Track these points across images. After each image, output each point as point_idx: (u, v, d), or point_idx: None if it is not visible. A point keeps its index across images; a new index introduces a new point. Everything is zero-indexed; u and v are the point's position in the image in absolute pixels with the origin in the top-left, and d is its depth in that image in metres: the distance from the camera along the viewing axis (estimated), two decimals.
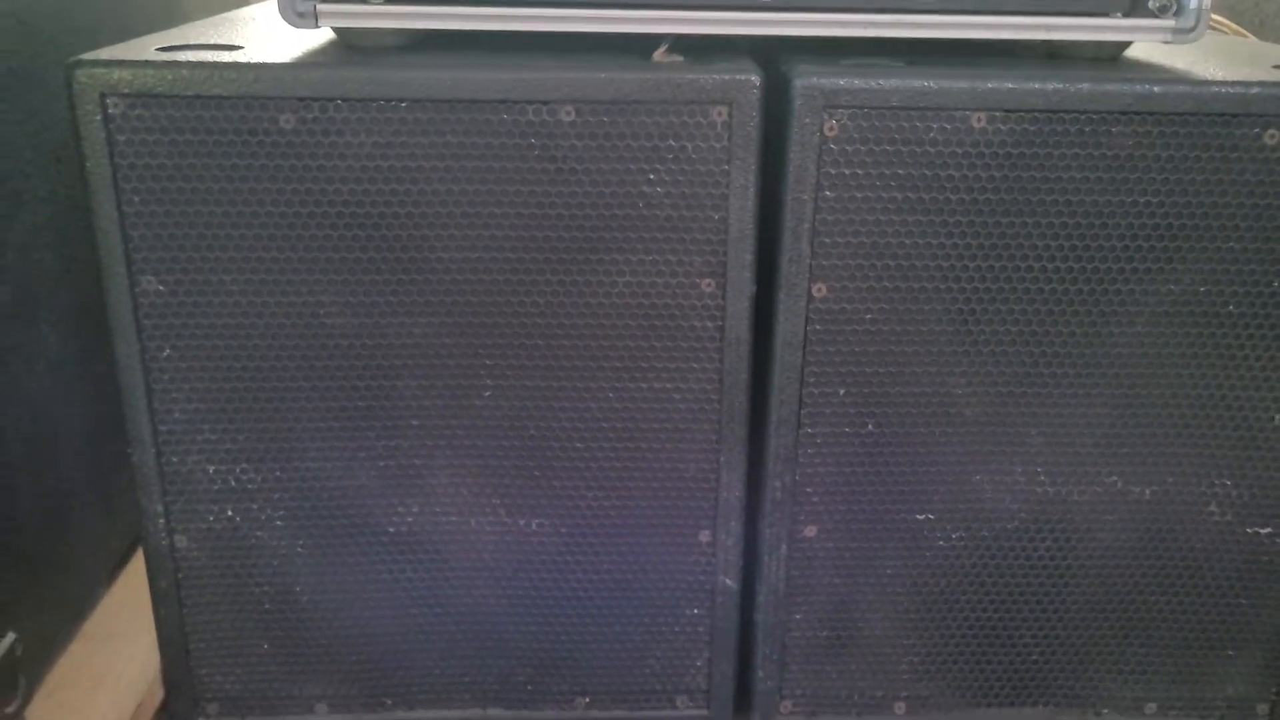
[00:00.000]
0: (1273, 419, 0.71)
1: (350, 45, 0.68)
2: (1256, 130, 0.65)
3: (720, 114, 0.64)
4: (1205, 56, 0.74)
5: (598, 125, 0.64)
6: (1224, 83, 0.65)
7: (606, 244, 0.66)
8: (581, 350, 0.68)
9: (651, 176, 0.65)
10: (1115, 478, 0.73)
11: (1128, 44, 0.71)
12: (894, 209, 0.66)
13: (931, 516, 0.73)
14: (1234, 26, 0.90)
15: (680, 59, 0.66)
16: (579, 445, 0.71)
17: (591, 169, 0.65)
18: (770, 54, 0.71)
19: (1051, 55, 0.72)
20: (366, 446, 0.70)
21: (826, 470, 0.71)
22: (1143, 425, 0.71)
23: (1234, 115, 0.65)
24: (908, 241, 0.67)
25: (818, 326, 0.68)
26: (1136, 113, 0.64)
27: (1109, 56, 0.71)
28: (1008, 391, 0.70)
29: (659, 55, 0.66)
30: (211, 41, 0.69)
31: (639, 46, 0.68)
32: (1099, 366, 0.70)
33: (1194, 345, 0.70)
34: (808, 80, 0.63)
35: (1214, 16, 0.92)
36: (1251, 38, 0.88)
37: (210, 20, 0.82)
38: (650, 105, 0.63)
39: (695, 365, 0.69)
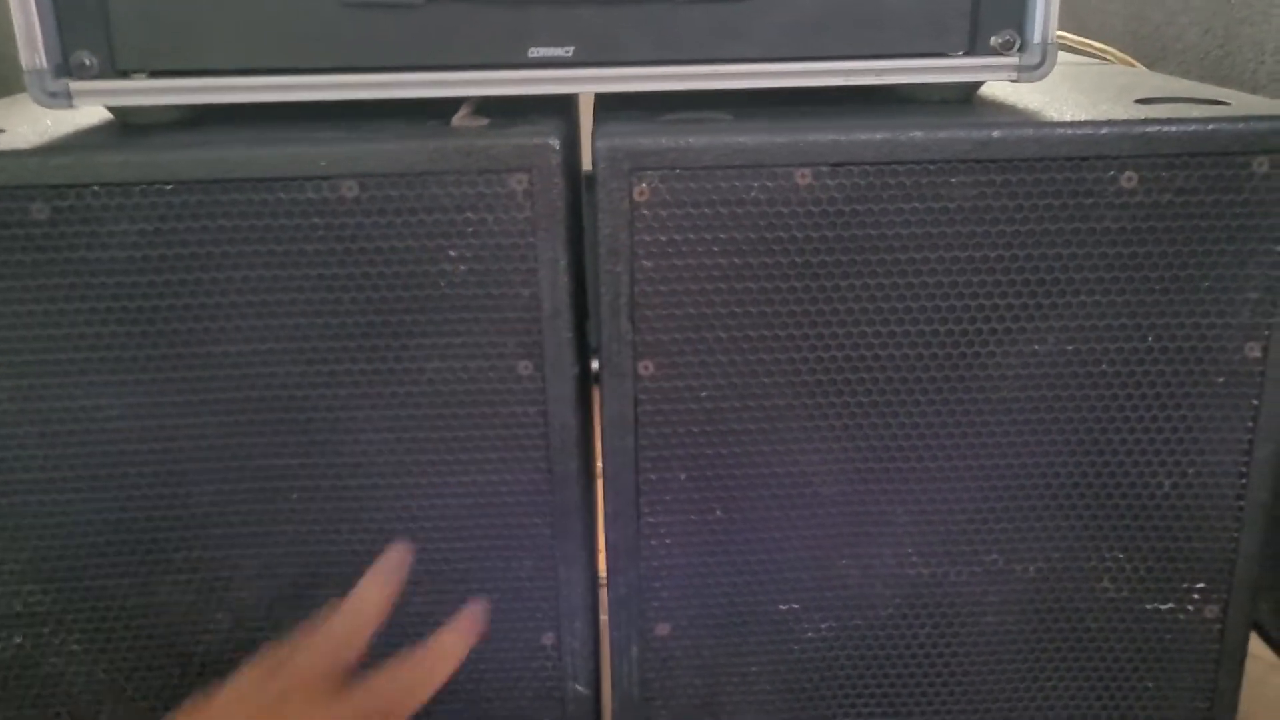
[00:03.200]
0: (1161, 485, 0.65)
1: (126, 123, 0.62)
2: (1112, 173, 0.59)
3: (520, 182, 0.58)
4: (1070, 93, 0.69)
5: (385, 200, 0.58)
6: (1072, 124, 0.59)
7: (409, 328, 0.60)
8: (393, 444, 0.62)
9: (452, 253, 0.59)
10: (995, 555, 0.66)
11: (979, 84, 0.66)
12: (720, 276, 0.60)
13: (796, 606, 0.67)
14: (1120, 55, 0.85)
15: (484, 121, 0.61)
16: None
17: (384, 247, 0.59)
18: (600, 110, 0.65)
19: (903, 99, 0.66)
20: (164, 559, 0.64)
21: (674, 562, 0.65)
22: (1020, 498, 0.65)
23: (1084, 159, 0.59)
24: (739, 310, 0.61)
25: (648, 407, 0.62)
26: (977, 160, 0.59)
27: (960, 98, 0.66)
28: (867, 468, 0.64)
29: (459, 119, 0.61)
30: None
31: (441, 110, 0.62)
32: (965, 436, 0.64)
33: (1067, 409, 0.63)
34: (610, 141, 0.58)
35: (1099, 46, 0.87)
36: (1140, 67, 0.83)
37: (6, 100, 0.77)
38: (442, 176, 0.58)
39: (519, 455, 0.63)
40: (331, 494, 0.63)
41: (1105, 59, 0.86)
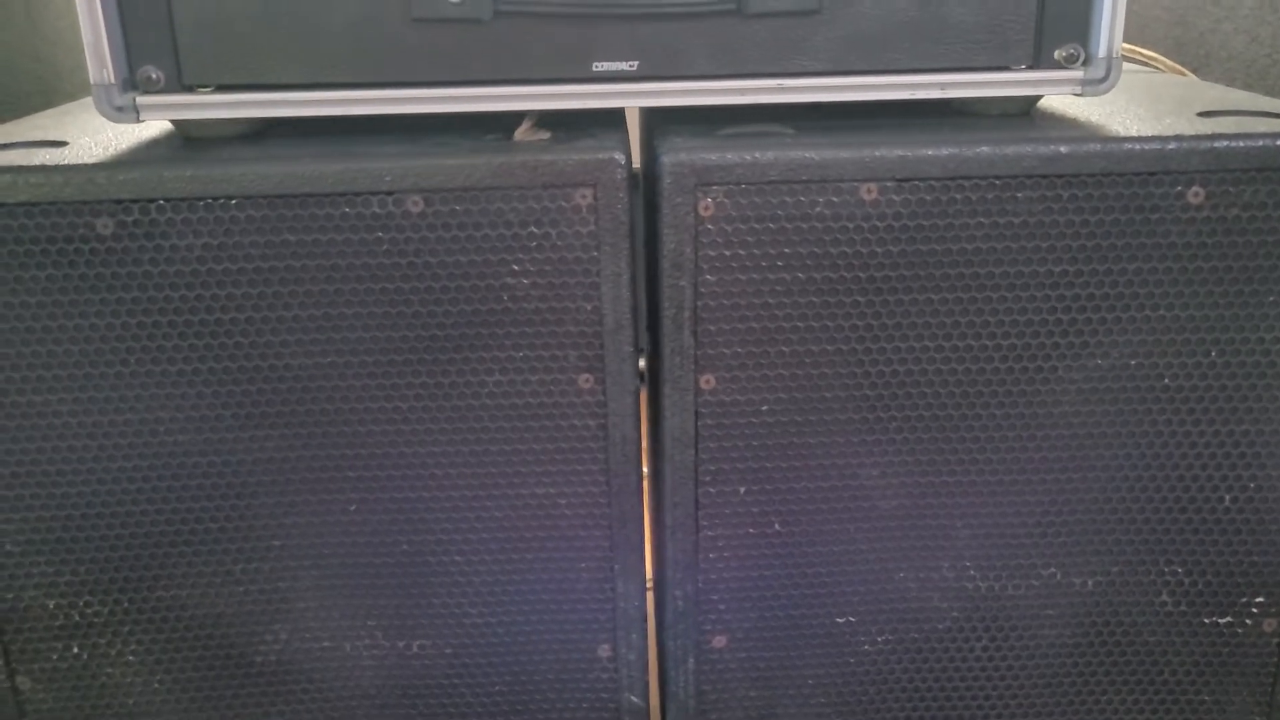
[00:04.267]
0: (1222, 499, 0.65)
1: (187, 136, 0.62)
2: (1179, 188, 0.59)
3: (584, 197, 0.58)
4: (1129, 104, 0.68)
5: (450, 215, 0.58)
6: (1138, 139, 0.59)
7: (471, 341, 0.60)
8: (453, 457, 0.62)
9: (515, 267, 0.59)
10: (1053, 569, 0.66)
11: (1038, 97, 0.66)
12: (783, 291, 0.60)
13: (853, 619, 0.66)
14: (1171, 64, 0.85)
15: (547, 135, 0.61)
16: (458, 559, 0.64)
17: (448, 262, 0.59)
18: (658, 123, 0.65)
19: (959, 112, 0.66)
20: (223, 571, 0.64)
21: (732, 575, 0.65)
22: (1079, 512, 0.65)
23: (1151, 174, 0.59)
24: (801, 325, 0.60)
25: (709, 421, 0.62)
26: (1043, 175, 0.58)
27: (1019, 111, 0.65)
28: (926, 482, 0.64)
29: (522, 133, 0.61)
30: (40, 137, 0.63)
31: (504, 123, 0.62)
32: (1026, 451, 0.63)
33: (1129, 423, 0.63)
34: (676, 157, 0.58)
35: (1150, 54, 0.87)
36: (1191, 76, 0.82)
37: (60, 109, 0.77)
38: (506, 191, 0.58)
39: (579, 468, 0.63)
40: (391, 506, 0.63)
41: (1155, 67, 0.85)
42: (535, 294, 0.60)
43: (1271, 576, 0.66)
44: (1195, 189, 0.59)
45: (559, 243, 0.59)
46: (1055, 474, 0.64)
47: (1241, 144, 0.58)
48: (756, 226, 0.59)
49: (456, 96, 0.59)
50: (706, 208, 0.58)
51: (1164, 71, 0.84)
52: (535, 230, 0.59)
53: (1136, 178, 0.59)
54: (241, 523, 0.63)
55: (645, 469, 0.66)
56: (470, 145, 0.59)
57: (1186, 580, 0.66)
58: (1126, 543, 0.65)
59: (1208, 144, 0.58)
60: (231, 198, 0.57)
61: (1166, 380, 0.62)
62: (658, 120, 0.66)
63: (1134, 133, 0.59)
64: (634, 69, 0.59)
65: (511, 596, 0.65)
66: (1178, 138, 0.59)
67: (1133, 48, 0.89)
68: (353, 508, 0.63)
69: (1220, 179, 0.59)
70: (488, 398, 0.61)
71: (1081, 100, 0.69)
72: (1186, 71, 0.85)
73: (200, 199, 0.57)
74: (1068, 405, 0.63)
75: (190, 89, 0.58)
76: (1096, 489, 0.64)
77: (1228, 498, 0.65)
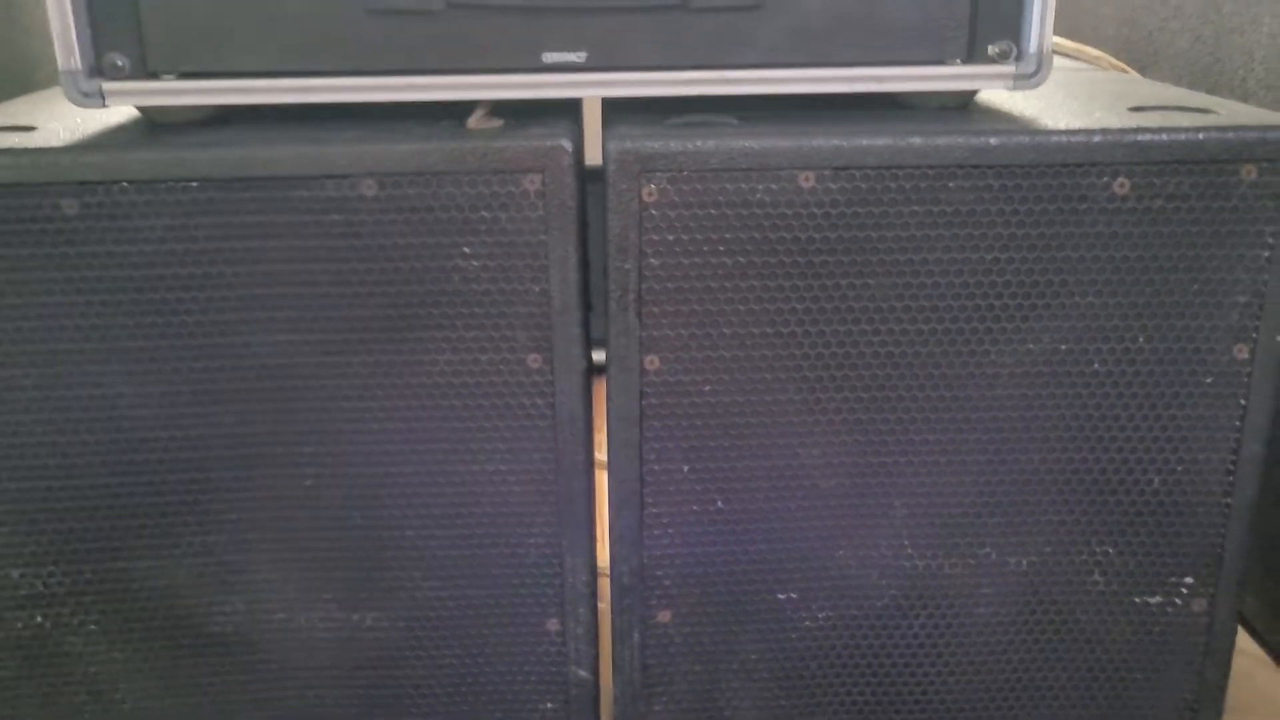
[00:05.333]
0: (1151, 481, 0.67)
1: (154, 122, 0.65)
2: (1105, 179, 0.61)
3: (533, 183, 0.60)
4: (1065, 99, 0.71)
5: (403, 199, 0.60)
6: (1066, 131, 0.61)
7: (423, 321, 0.62)
8: (405, 434, 0.64)
9: (466, 250, 0.61)
10: (988, 549, 0.68)
11: (975, 91, 0.68)
12: (725, 275, 0.62)
13: (794, 596, 0.69)
14: (1114, 62, 0.87)
15: (499, 123, 0.63)
16: (410, 533, 0.66)
17: (400, 244, 0.61)
18: (612, 113, 0.67)
19: (901, 105, 0.68)
20: (182, 543, 0.66)
21: (676, 551, 0.67)
22: (1013, 493, 0.67)
23: (1078, 165, 0.61)
24: (742, 308, 0.63)
25: (653, 401, 0.64)
26: (974, 166, 0.61)
27: (957, 105, 0.68)
28: (865, 462, 0.66)
29: (475, 121, 0.63)
30: (9, 123, 0.66)
31: (459, 112, 0.65)
32: (960, 432, 0.66)
33: (1060, 407, 0.65)
34: (621, 144, 0.60)
35: (1094, 51, 0.89)
36: (1132, 73, 0.85)
37: (33, 96, 0.79)
38: (458, 176, 0.60)
39: (528, 445, 0.65)
40: (345, 481, 0.65)
41: (1099, 65, 0.88)
42: (485, 276, 0.62)
43: (1200, 557, 0.68)
44: (1120, 180, 0.61)
45: (508, 226, 0.61)
46: (989, 455, 0.66)
47: (1165, 137, 0.61)
48: (699, 212, 0.61)
49: (410, 85, 0.61)
50: (650, 193, 0.61)
51: (1107, 69, 0.86)
52: (486, 214, 0.61)
53: (1064, 169, 0.61)
54: (200, 496, 0.65)
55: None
56: (423, 131, 0.61)
57: (1118, 560, 0.69)
58: (1059, 523, 0.68)
59: (1132, 137, 0.61)
60: (192, 180, 0.59)
61: (1096, 365, 0.65)
62: (613, 110, 0.68)
63: (1063, 126, 0.62)
64: (582, 60, 0.62)
65: (462, 571, 0.67)
66: (1104, 131, 0.61)
67: (1078, 46, 0.91)
68: (308, 482, 0.65)
69: (1144, 171, 0.61)
70: (439, 376, 0.63)
71: (1020, 95, 0.72)
72: (1129, 69, 0.87)
73: (162, 181, 0.59)
74: (1001, 389, 0.65)
75: (154, 76, 0.60)
76: (1029, 470, 0.67)
77: (1156, 480, 0.67)
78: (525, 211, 0.61)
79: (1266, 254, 0.63)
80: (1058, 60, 0.94)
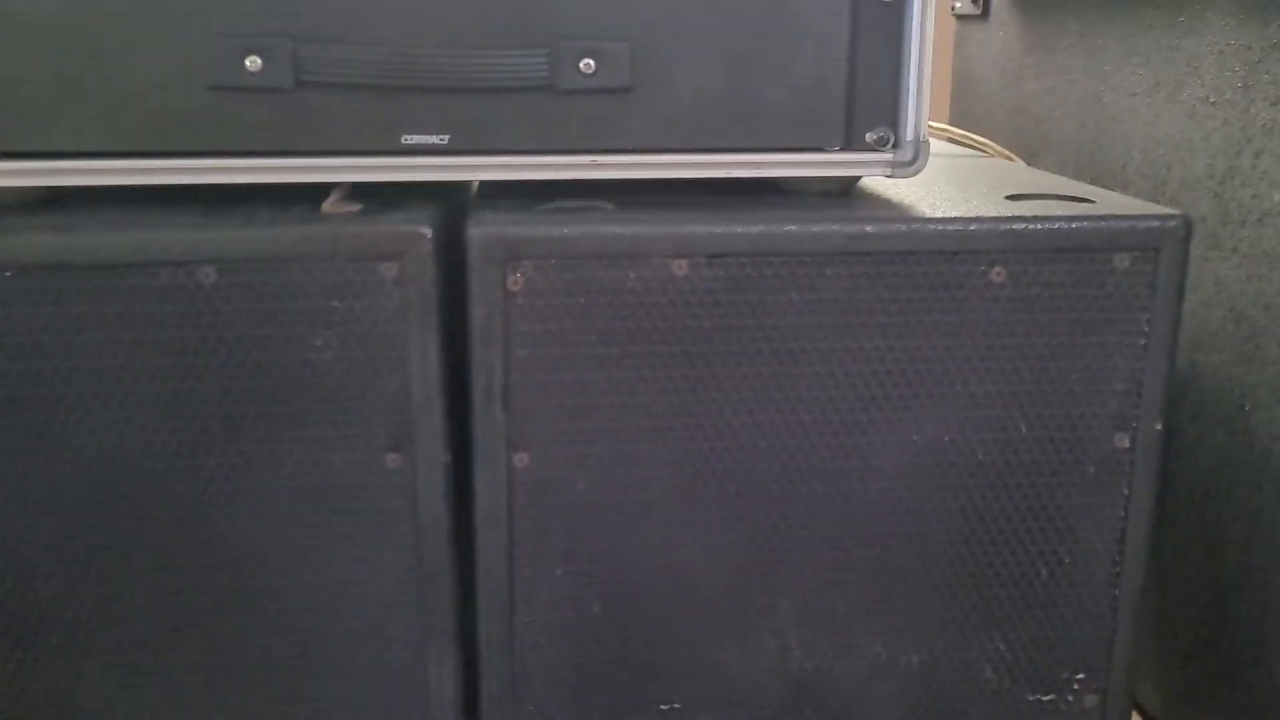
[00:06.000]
0: (1039, 573, 0.65)
1: None
2: (982, 268, 0.60)
3: (389, 270, 0.57)
4: (946, 186, 0.70)
5: (246, 287, 0.56)
6: (944, 219, 0.60)
7: (271, 419, 0.58)
8: (254, 541, 0.59)
9: (317, 342, 0.57)
10: (879, 648, 0.66)
11: (856, 177, 0.67)
12: (597, 365, 0.59)
13: (678, 705, 0.65)
14: (1000, 149, 0.88)
15: (357, 207, 0.59)
16: (259, 649, 0.61)
17: (244, 335, 0.56)
18: (482, 196, 0.64)
19: (782, 190, 0.67)
20: (2, 659, 0.59)
21: (550, 660, 0.63)
22: (901, 587, 0.65)
23: (955, 253, 0.60)
24: (616, 401, 0.60)
25: (523, 500, 0.60)
26: (851, 253, 0.59)
27: (839, 190, 0.66)
28: (748, 559, 0.63)
29: (330, 204, 0.59)
30: None
31: (313, 195, 0.61)
32: (846, 526, 0.63)
33: (946, 498, 0.63)
34: (485, 230, 0.57)
35: (979, 139, 0.90)
36: (1018, 161, 0.85)
37: None
38: (307, 263, 0.56)
39: (388, 551, 0.60)
40: (187, 591, 0.59)
41: (985, 152, 0.88)
42: (339, 369, 0.58)
43: (1090, 651, 0.67)
44: (998, 269, 0.60)
45: (363, 316, 0.57)
46: (875, 549, 0.64)
47: (1039, 226, 0.60)
48: (568, 301, 0.58)
49: (258, 167, 0.57)
50: (516, 281, 0.57)
51: (993, 156, 0.87)
52: (338, 304, 0.57)
53: (941, 256, 0.60)
54: (21, 611, 0.59)
55: None
56: (269, 216, 0.57)
57: (1009, 656, 0.66)
58: (949, 619, 0.65)
59: (1007, 226, 0.60)
60: (6, 268, 0.54)
61: (980, 455, 0.63)
62: (485, 193, 0.65)
63: (940, 214, 0.61)
64: (445, 142, 0.59)
65: (318, 688, 0.62)
66: (980, 219, 0.60)
67: (965, 133, 0.92)
68: (144, 595, 0.59)
69: (1020, 259, 0.60)
70: (290, 478, 0.59)
71: (901, 181, 0.71)
72: (1015, 157, 0.88)
73: None
74: (885, 480, 0.63)
75: None
76: (916, 564, 0.64)
77: (1044, 571, 0.65)
78: (381, 300, 0.57)
79: (1143, 341, 0.62)
80: (945, 147, 0.94)
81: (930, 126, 0.96)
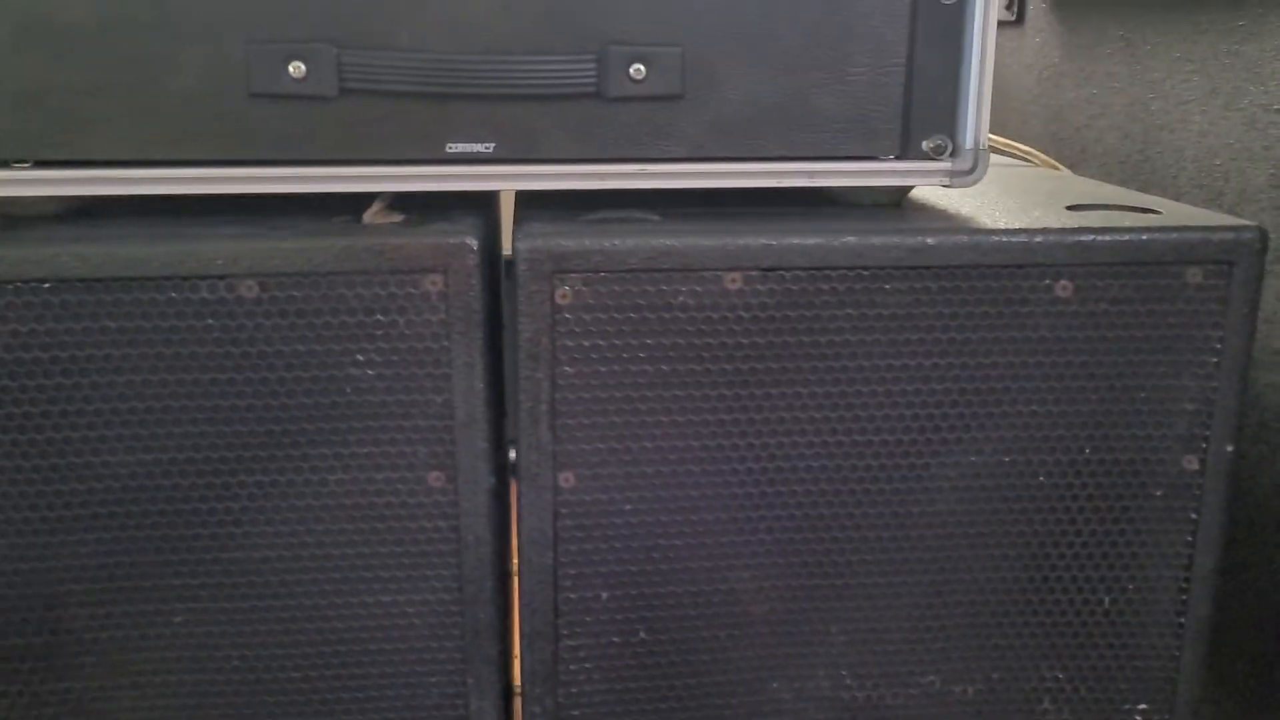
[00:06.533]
0: (1101, 602, 0.63)
1: (4, 214, 0.58)
2: (1047, 281, 0.58)
3: (434, 283, 0.55)
4: (1000, 197, 0.68)
5: (288, 301, 0.54)
6: (1007, 231, 0.58)
7: (312, 437, 0.56)
8: (291, 563, 0.57)
9: (359, 357, 0.55)
10: (933, 677, 0.63)
11: (910, 187, 0.65)
12: (646, 383, 0.57)
13: None
14: (1045, 159, 0.86)
15: (399, 218, 0.58)
16: (295, 675, 0.59)
17: (285, 351, 0.55)
18: (524, 207, 0.62)
19: (832, 201, 0.64)
20: (30, 692, 0.57)
21: (595, 689, 0.61)
22: (957, 616, 0.62)
23: (1019, 267, 0.58)
24: (665, 419, 0.57)
25: (568, 522, 0.58)
26: (911, 267, 0.57)
27: (891, 201, 0.64)
28: (799, 585, 0.61)
29: (371, 215, 0.57)
30: None
31: (354, 205, 0.59)
32: (901, 551, 0.61)
33: (1005, 522, 0.61)
34: (532, 242, 0.55)
35: (1025, 149, 0.87)
36: (1065, 170, 0.83)
37: None
38: (350, 276, 0.54)
39: (429, 573, 0.58)
40: (221, 617, 0.58)
41: (1031, 161, 0.86)
42: (381, 386, 0.56)
43: (1154, 682, 0.64)
44: (1063, 282, 0.58)
45: (407, 331, 0.55)
46: (931, 576, 0.61)
47: (1107, 238, 0.58)
48: (617, 316, 0.56)
49: (299, 177, 0.55)
50: (564, 295, 0.55)
51: (1038, 166, 0.85)
52: (381, 318, 0.55)
53: (1004, 270, 0.58)
54: (53, 638, 0.57)
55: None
56: (311, 227, 0.55)
57: (1068, 687, 0.64)
58: (1006, 647, 0.63)
59: (1074, 238, 0.58)
60: (44, 280, 0.52)
61: (1041, 478, 0.61)
62: (526, 204, 0.63)
63: (1002, 225, 0.59)
64: (490, 151, 0.57)
65: (355, 714, 0.60)
66: (1044, 231, 0.58)
67: (1008, 142, 0.89)
68: (178, 619, 0.57)
69: (1087, 273, 0.58)
70: (329, 498, 0.57)
71: (954, 192, 0.69)
72: (1061, 166, 0.85)
73: (9, 282, 0.52)
74: (942, 504, 0.60)
75: (5, 164, 0.54)
76: (974, 591, 0.62)
77: (1106, 599, 0.63)
78: (425, 315, 0.55)
79: (1214, 360, 0.60)
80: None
81: None
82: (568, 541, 0.58)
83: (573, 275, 0.55)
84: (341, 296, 0.54)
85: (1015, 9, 1.21)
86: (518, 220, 0.58)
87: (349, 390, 0.56)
